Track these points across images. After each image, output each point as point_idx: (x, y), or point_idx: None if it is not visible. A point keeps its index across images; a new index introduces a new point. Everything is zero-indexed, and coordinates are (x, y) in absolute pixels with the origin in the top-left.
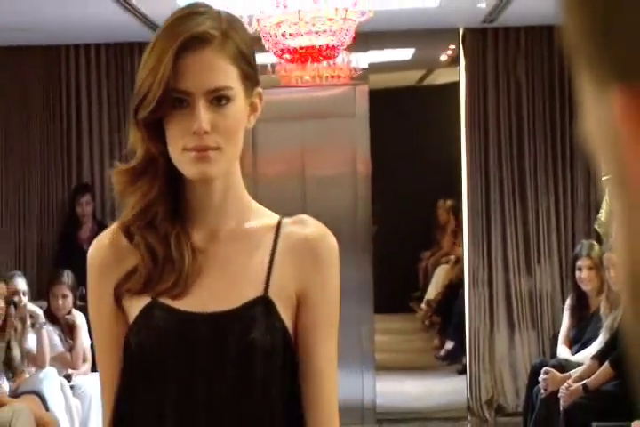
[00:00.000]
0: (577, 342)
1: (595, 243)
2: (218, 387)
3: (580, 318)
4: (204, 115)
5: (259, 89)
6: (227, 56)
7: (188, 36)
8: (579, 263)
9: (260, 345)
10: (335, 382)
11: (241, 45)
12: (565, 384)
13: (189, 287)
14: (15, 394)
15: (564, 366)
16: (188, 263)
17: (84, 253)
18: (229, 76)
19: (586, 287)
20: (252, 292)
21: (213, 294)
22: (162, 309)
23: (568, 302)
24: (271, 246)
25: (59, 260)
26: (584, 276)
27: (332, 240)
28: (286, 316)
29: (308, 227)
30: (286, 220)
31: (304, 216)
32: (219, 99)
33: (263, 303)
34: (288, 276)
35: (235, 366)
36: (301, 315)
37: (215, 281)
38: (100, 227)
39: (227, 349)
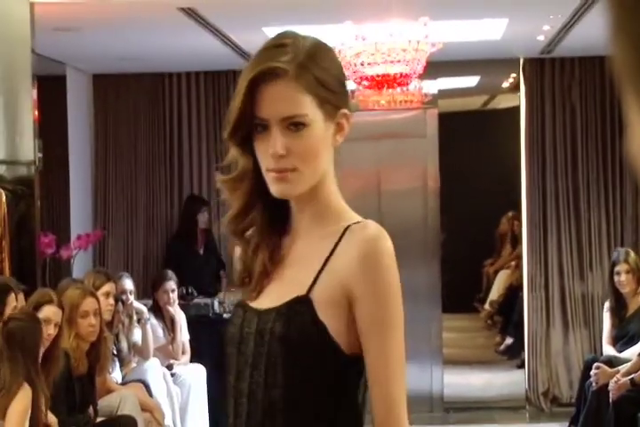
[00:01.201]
0: (619, 340)
1: (630, 250)
2: (256, 379)
3: (620, 318)
4: (279, 140)
5: (344, 110)
6: (300, 86)
7: (261, 69)
8: (617, 268)
9: (287, 341)
10: (394, 382)
11: (318, 73)
12: (614, 379)
13: (262, 288)
14: (123, 382)
15: (612, 362)
16: (260, 270)
17: (199, 256)
18: (303, 105)
19: (624, 290)
20: (297, 292)
21: (272, 294)
22: (241, 306)
23: (607, 304)
24: (331, 249)
25: (171, 262)
26: (622, 279)
27: (382, 242)
28: (330, 315)
29: (365, 230)
30: (354, 225)
31: (369, 221)
32: (295, 124)
33: (301, 302)
34: (339, 277)
35: (268, 359)
36: (355, 315)
37: (279, 282)
38: (209, 234)
39: (263, 342)
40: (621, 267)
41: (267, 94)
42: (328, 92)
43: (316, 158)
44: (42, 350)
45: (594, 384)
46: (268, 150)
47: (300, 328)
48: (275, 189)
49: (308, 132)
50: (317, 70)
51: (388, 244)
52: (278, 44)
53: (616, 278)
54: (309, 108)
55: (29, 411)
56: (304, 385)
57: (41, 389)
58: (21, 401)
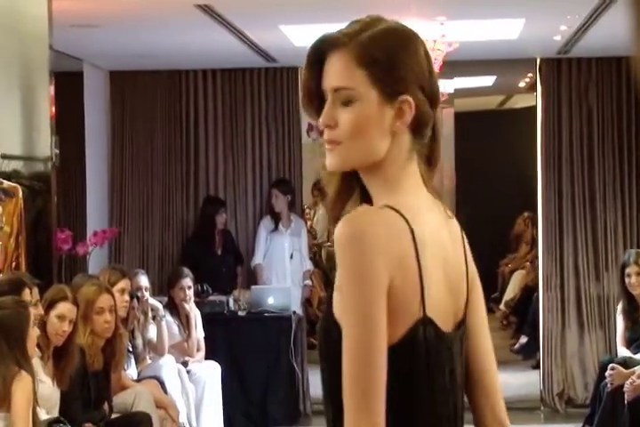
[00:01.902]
0: (634, 342)
1: None
2: None
3: (633, 320)
4: (327, 110)
5: (404, 97)
6: (354, 60)
7: (322, 37)
8: (627, 270)
9: (320, 329)
10: (345, 373)
11: (378, 53)
12: (630, 380)
13: None
14: (138, 379)
15: (628, 363)
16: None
17: (217, 257)
18: (353, 78)
19: (635, 291)
20: None
21: None
22: None
23: (620, 306)
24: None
25: (188, 263)
26: (633, 281)
27: (340, 227)
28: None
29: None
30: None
31: (363, 206)
32: (345, 98)
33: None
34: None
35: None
36: None
37: None
38: (226, 234)
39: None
40: (632, 269)
41: (327, 65)
42: (386, 73)
43: (364, 136)
44: (54, 346)
45: (609, 385)
46: None
47: (324, 317)
48: (325, 161)
49: (357, 107)
50: (377, 50)
51: (343, 229)
52: (356, 21)
53: (627, 280)
54: (360, 83)
55: (32, 399)
56: (332, 372)
57: (30, 372)
58: (22, 391)
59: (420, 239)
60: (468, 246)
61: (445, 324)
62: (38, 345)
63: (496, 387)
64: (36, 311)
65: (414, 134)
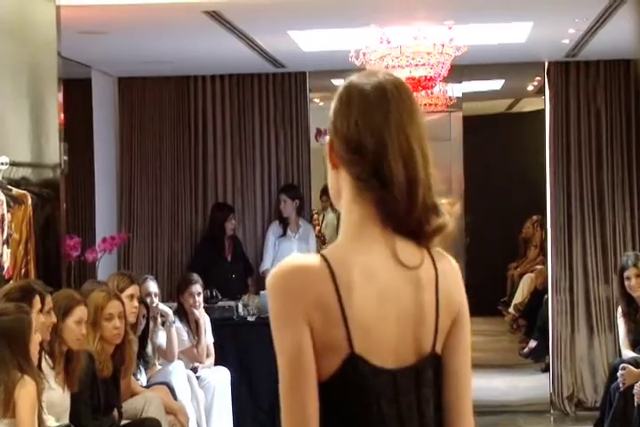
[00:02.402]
0: (638, 344)
1: (639, 253)
2: None
3: (635, 322)
4: None
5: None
6: None
7: None
8: (627, 273)
9: None
10: (282, 406)
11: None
12: None
13: None
14: (147, 385)
15: (639, 364)
16: None
17: (227, 263)
18: None
19: (635, 293)
20: None
21: None
22: None
23: (620, 309)
24: None
25: (197, 269)
26: (632, 284)
27: (268, 277)
28: None
29: None
30: None
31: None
32: None
33: None
34: None
35: None
36: None
37: None
38: (235, 240)
39: None
40: (631, 271)
41: None
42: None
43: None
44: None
45: (621, 385)
46: None
47: None
48: None
49: None
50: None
51: (269, 278)
52: None
53: (626, 283)
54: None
55: (36, 404)
56: None
57: (34, 377)
58: (26, 397)
59: (344, 285)
60: (452, 286)
61: (387, 360)
62: (50, 353)
63: (462, 412)
64: (48, 319)
65: (355, 179)
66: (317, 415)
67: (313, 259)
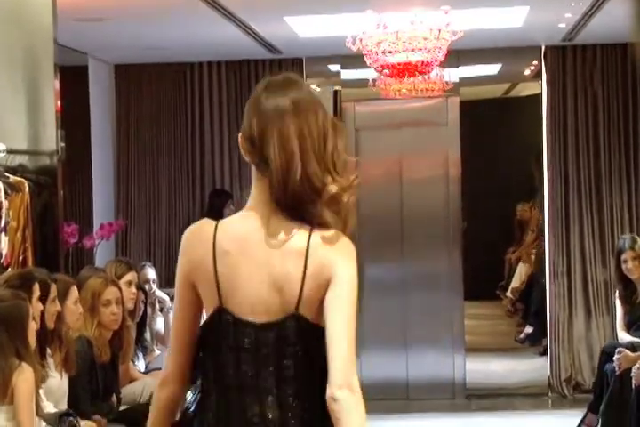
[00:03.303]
0: (633, 325)
1: (636, 236)
2: None
3: (630, 304)
4: None
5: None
6: None
7: None
8: (623, 256)
9: None
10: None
11: None
12: (637, 364)
13: None
14: (146, 371)
15: (636, 348)
16: None
17: None
18: None
19: (633, 276)
20: None
21: None
22: None
23: (617, 292)
24: None
25: None
26: (630, 266)
27: None
28: None
29: None
30: None
31: None
32: None
33: None
34: None
35: None
36: None
37: None
38: None
39: None
40: (628, 254)
41: None
42: None
43: None
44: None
45: (617, 369)
46: None
47: None
48: None
49: None
50: None
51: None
52: None
53: (623, 266)
54: None
55: (34, 391)
56: None
57: (32, 364)
58: (24, 384)
59: (220, 251)
60: (325, 256)
61: (250, 314)
62: (50, 344)
63: (335, 360)
64: (52, 307)
65: (252, 164)
66: (193, 344)
67: (208, 226)
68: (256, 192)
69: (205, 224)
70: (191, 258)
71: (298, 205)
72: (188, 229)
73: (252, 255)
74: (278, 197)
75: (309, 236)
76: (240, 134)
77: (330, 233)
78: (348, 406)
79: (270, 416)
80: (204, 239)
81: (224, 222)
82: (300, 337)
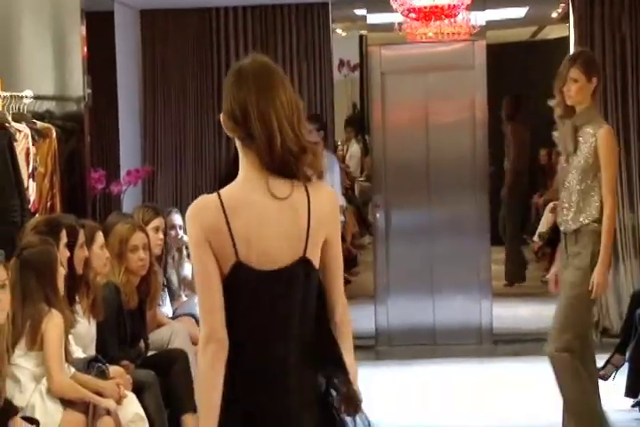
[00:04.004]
0: None
1: None
2: None
3: None
4: None
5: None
6: None
7: None
8: None
9: None
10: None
11: None
12: None
13: None
14: (173, 316)
15: None
16: None
17: None
18: None
19: None
20: None
21: None
22: None
23: None
24: None
25: None
26: None
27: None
28: None
29: None
30: None
31: None
32: None
33: None
34: None
35: None
36: None
37: None
38: None
39: None
40: None
41: None
42: None
43: None
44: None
45: None
46: None
47: None
48: None
49: None
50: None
51: (187, 212)
52: None
53: None
54: None
55: (63, 337)
56: None
57: (61, 310)
58: (54, 330)
59: (230, 213)
60: (324, 209)
61: (264, 265)
62: (78, 290)
63: (337, 300)
64: (81, 253)
65: (238, 139)
66: (222, 303)
67: (211, 197)
68: (246, 162)
69: (207, 197)
70: (203, 224)
71: (283, 166)
72: (191, 205)
73: (260, 212)
74: (267, 162)
75: (307, 191)
76: (222, 115)
77: (319, 187)
78: (350, 329)
79: (294, 350)
80: (212, 207)
81: (225, 191)
82: (307, 277)
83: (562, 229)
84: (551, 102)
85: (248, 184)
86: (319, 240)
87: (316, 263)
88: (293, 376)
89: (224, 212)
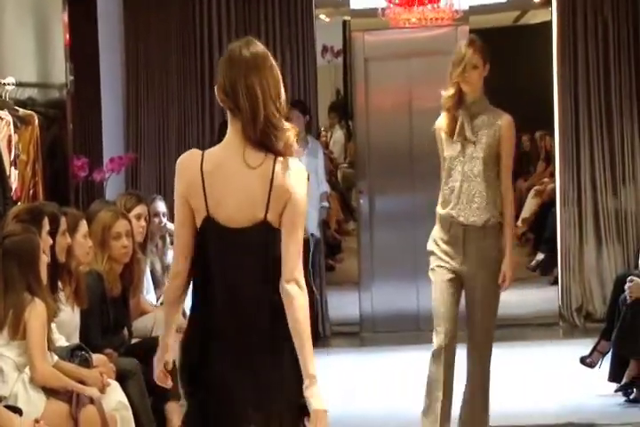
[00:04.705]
0: None
1: None
2: None
3: None
4: None
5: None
6: None
7: None
8: None
9: None
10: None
11: None
12: None
13: None
14: (157, 304)
15: None
16: None
17: None
18: None
19: None
20: None
21: None
22: None
23: None
24: None
25: None
26: None
27: None
28: None
29: None
30: None
31: None
32: None
33: None
34: None
35: None
36: None
37: None
38: None
39: None
40: None
41: None
42: None
43: None
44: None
45: (628, 298)
46: None
47: None
48: None
49: None
50: None
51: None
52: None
53: None
54: None
55: (46, 326)
56: None
57: (43, 298)
58: (36, 319)
59: (206, 172)
60: (286, 181)
61: (230, 222)
62: (61, 278)
63: (286, 259)
64: (63, 240)
65: (227, 109)
66: (190, 244)
67: (196, 154)
68: (232, 130)
69: (194, 153)
70: (184, 179)
71: (262, 138)
72: (180, 157)
73: (232, 176)
74: (248, 132)
75: (274, 164)
76: (216, 87)
77: (288, 161)
78: (295, 293)
79: (251, 293)
80: (194, 164)
81: (209, 151)
82: (266, 237)
83: (463, 222)
84: (444, 93)
85: (228, 150)
86: (279, 207)
87: (277, 225)
88: (251, 308)
89: (201, 170)
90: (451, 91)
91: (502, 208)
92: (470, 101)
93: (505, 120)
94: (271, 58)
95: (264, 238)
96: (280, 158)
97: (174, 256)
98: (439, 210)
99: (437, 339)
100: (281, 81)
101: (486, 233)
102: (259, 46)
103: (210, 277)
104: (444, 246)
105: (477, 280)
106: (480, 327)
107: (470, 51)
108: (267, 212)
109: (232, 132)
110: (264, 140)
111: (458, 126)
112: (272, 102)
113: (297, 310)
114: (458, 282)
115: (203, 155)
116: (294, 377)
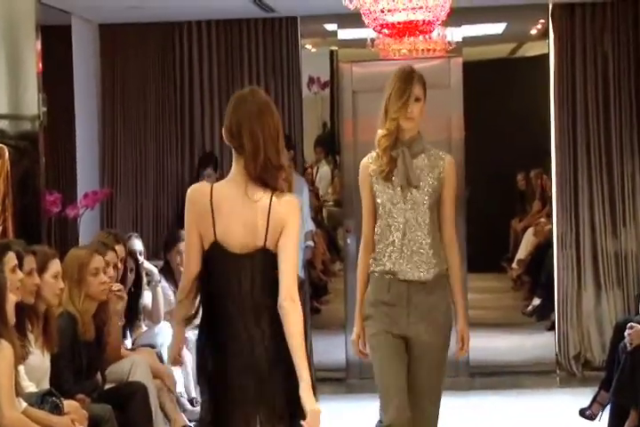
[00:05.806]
0: None
1: None
2: None
3: None
4: None
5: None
6: None
7: None
8: None
9: None
10: None
11: None
12: None
13: None
14: (133, 347)
15: None
16: None
17: None
18: None
19: None
20: None
21: None
22: None
23: None
24: None
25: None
26: None
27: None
28: None
29: None
30: None
31: None
32: None
33: None
34: None
35: None
36: None
37: None
38: None
39: None
40: None
41: None
42: None
43: None
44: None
45: (628, 345)
46: None
47: None
48: None
49: None
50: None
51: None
52: None
53: None
54: None
55: (13, 369)
56: None
57: (10, 340)
58: (2, 361)
59: (215, 204)
60: (281, 212)
61: (235, 248)
62: (29, 317)
63: (282, 278)
64: (30, 280)
65: (233, 148)
66: (197, 268)
67: (206, 186)
68: (236, 167)
69: (204, 185)
70: (195, 208)
71: (263, 175)
72: (191, 189)
73: (236, 209)
74: (250, 170)
75: (271, 198)
76: (224, 129)
77: (283, 196)
78: (291, 310)
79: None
80: (204, 195)
81: (217, 185)
82: (265, 263)
83: (407, 278)
84: (379, 131)
85: (233, 184)
86: (276, 235)
87: (274, 251)
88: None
89: (211, 202)
90: (388, 128)
91: (449, 262)
92: (409, 140)
93: (448, 160)
94: (273, 105)
95: (263, 262)
96: (276, 192)
97: (183, 273)
98: (373, 268)
99: (388, 416)
100: (280, 126)
101: (433, 287)
102: (262, 95)
103: (216, 293)
104: (385, 309)
105: (425, 341)
106: (428, 393)
107: (412, 81)
108: (265, 240)
109: (236, 169)
110: (263, 177)
111: (398, 169)
112: (272, 144)
113: (292, 325)
114: (403, 347)
115: (212, 187)
116: (294, 381)
